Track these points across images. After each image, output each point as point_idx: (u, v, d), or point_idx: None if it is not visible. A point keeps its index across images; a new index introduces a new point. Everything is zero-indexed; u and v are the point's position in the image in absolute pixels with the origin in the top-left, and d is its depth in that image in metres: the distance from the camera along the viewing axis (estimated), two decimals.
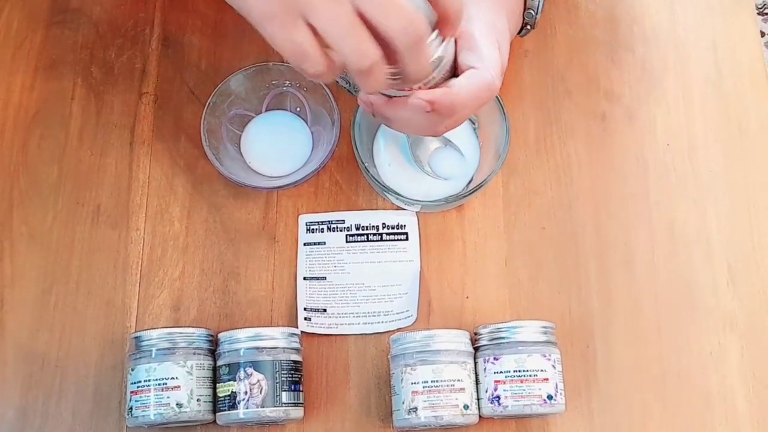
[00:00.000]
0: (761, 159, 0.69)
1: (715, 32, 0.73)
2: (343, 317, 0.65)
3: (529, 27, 0.64)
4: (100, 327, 0.65)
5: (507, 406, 0.57)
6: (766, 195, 0.68)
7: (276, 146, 0.69)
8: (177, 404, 0.57)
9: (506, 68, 0.56)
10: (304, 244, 0.67)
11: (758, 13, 1.64)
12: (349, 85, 0.60)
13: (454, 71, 0.53)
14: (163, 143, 0.70)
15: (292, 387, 0.58)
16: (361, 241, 0.67)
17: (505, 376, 0.58)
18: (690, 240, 0.66)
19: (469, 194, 0.64)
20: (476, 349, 0.60)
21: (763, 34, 1.62)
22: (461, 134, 0.68)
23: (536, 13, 0.63)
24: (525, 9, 0.63)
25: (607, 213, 0.67)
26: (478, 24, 0.54)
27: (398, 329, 0.64)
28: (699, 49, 0.73)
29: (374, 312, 0.65)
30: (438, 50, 0.49)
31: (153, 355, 0.58)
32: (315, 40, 0.45)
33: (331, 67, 0.47)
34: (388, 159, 0.68)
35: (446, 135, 0.67)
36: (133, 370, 0.58)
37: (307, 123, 0.70)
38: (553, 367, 0.58)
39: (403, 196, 0.64)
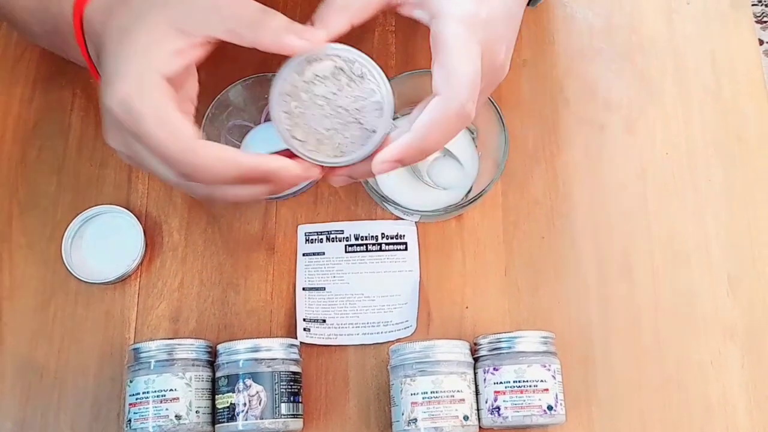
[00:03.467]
0: (760, 168, 0.69)
1: (713, 41, 0.73)
2: (342, 328, 0.64)
3: None
4: (98, 338, 0.65)
5: (507, 417, 0.57)
6: (765, 205, 0.68)
7: None
8: (176, 416, 0.57)
9: (508, 68, 0.51)
10: (303, 255, 0.67)
11: (756, 22, 1.64)
12: None
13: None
14: None
15: (292, 398, 0.58)
16: (360, 252, 0.67)
17: (505, 387, 0.58)
18: (689, 249, 0.66)
19: (468, 204, 0.64)
20: (476, 359, 0.60)
21: (761, 43, 1.63)
22: (460, 144, 0.68)
23: None
24: None
25: (606, 222, 0.67)
26: (451, 24, 0.46)
27: (398, 340, 0.64)
28: (697, 58, 0.73)
29: (373, 322, 0.64)
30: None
31: (152, 367, 0.58)
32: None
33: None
34: None
35: (445, 145, 0.67)
36: (131, 381, 0.58)
37: None
38: (553, 377, 0.58)
39: (402, 206, 0.64)
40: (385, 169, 0.48)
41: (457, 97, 0.46)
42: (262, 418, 0.57)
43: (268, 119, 0.70)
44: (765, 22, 1.64)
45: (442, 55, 0.46)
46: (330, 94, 0.49)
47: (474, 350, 0.60)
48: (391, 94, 0.49)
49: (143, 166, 0.48)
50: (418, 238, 0.67)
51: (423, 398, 0.57)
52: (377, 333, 0.64)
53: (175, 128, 0.44)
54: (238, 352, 0.58)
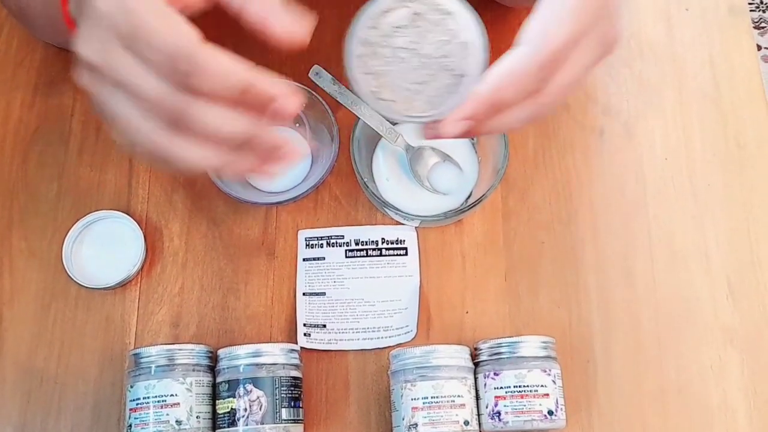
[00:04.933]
0: (759, 172, 0.69)
1: (711, 47, 0.74)
2: (342, 333, 0.64)
3: None
4: (99, 343, 0.65)
5: (507, 422, 0.57)
6: (765, 209, 0.68)
7: None
8: (176, 421, 0.57)
9: (619, 43, 0.47)
10: (304, 260, 0.67)
11: (754, 27, 1.64)
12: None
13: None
14: None
15: (292, 403, 0.58)
16: (360, 257, 0.67)
17: (506, 392, 0.58)
18: (689, 254, 0.66)
19: (468, 209, 0.64)
20: (476, 364, 0.60)
21: (759, 48, 1.63)
22: (460, 149, 0.68)
23: None
24: None
25: (606, 227, 0.67)
26: None
27: (398, 345, 0.64)
28: (696, 63, 0.73)
29: (374, 327, 0.65)
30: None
31: (152, 372, 0.58)
32: None
33: None
34: (387, 174, 0.68)
35: (444, 150, 0.67)
36: (132, 387, 0.58)
37: (306, 138, 0.70)
38: (554, 382, 0.58)
39: (402, 211, 0.65)
40: (458, 130, 0.43)
41: (545, 48, 0.41)
42: (263, 423, 0.57)
43: None
44: (763, 27, 1.64)
45: (549, 4, 0.42)
46: (412, 44, 0.45)
47: (474, 355, 0.60)
48: (479, 28, 0.44)
49: (118, 77, 0.40)
50: (418, 243, 0.67)
51: (423, 403, 0.57)
52: (377, 338, 0.64)
53: (176, 22, 0.39)
54: (238, 357, 0.58)
